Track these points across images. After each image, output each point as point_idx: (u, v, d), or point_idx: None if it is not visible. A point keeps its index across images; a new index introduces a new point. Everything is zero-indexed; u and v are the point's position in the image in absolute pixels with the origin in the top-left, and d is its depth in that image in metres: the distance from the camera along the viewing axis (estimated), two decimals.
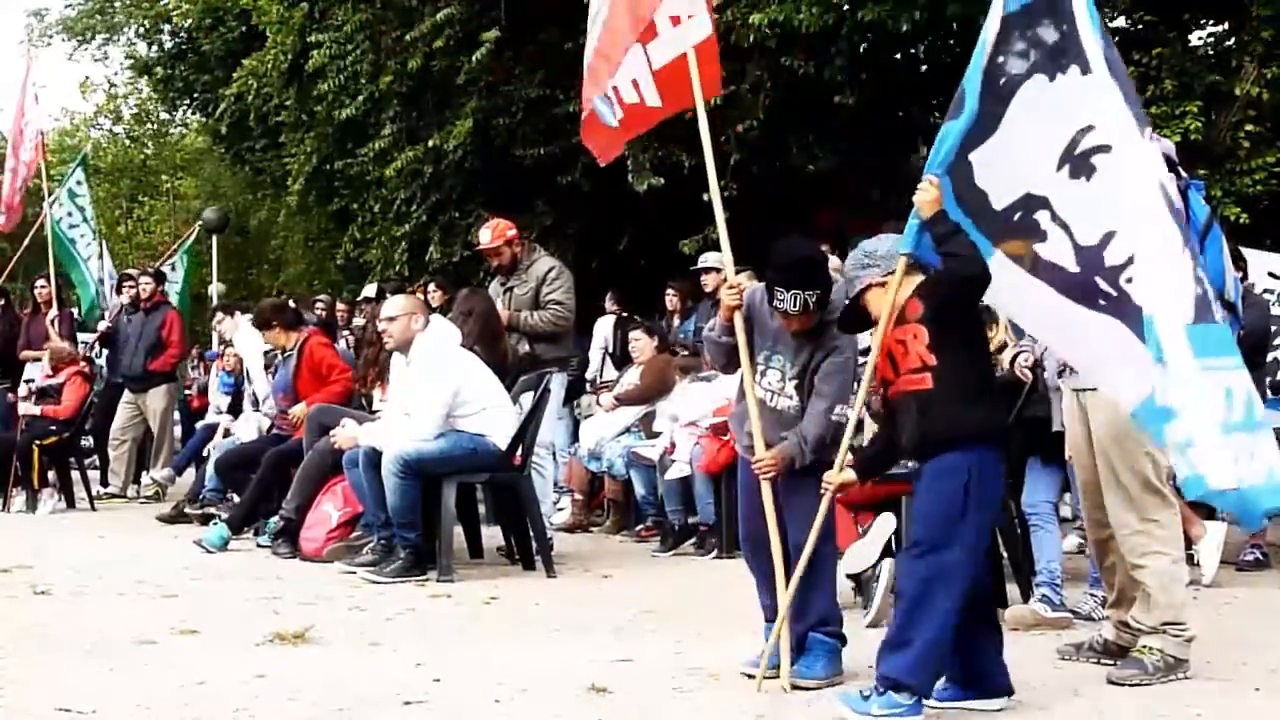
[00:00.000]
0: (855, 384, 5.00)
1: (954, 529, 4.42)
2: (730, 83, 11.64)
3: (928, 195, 4.48)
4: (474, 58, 13.07)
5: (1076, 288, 4.45)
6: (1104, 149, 4.40)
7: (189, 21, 19.45)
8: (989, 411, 4.59)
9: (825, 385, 5.00)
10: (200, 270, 22.20)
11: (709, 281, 11.13)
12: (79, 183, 15.32)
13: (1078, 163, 4.43)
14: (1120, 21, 12.37)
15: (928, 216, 4.48)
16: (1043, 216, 4.48)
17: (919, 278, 4.59)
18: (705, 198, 11.85)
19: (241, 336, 11.04)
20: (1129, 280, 4.34)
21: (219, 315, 12.56)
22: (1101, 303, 4.41)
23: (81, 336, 14.18)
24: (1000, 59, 4.48)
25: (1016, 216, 4.51)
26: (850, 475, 4.85)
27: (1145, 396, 4.31)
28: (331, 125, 15.75)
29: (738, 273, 10.45)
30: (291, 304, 11.02)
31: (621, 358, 11.41)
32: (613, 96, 5.85)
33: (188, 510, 10.52)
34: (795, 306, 4.87)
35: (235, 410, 11.55)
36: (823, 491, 4.83)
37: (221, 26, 18.99)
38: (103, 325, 13.31)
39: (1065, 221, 4.45)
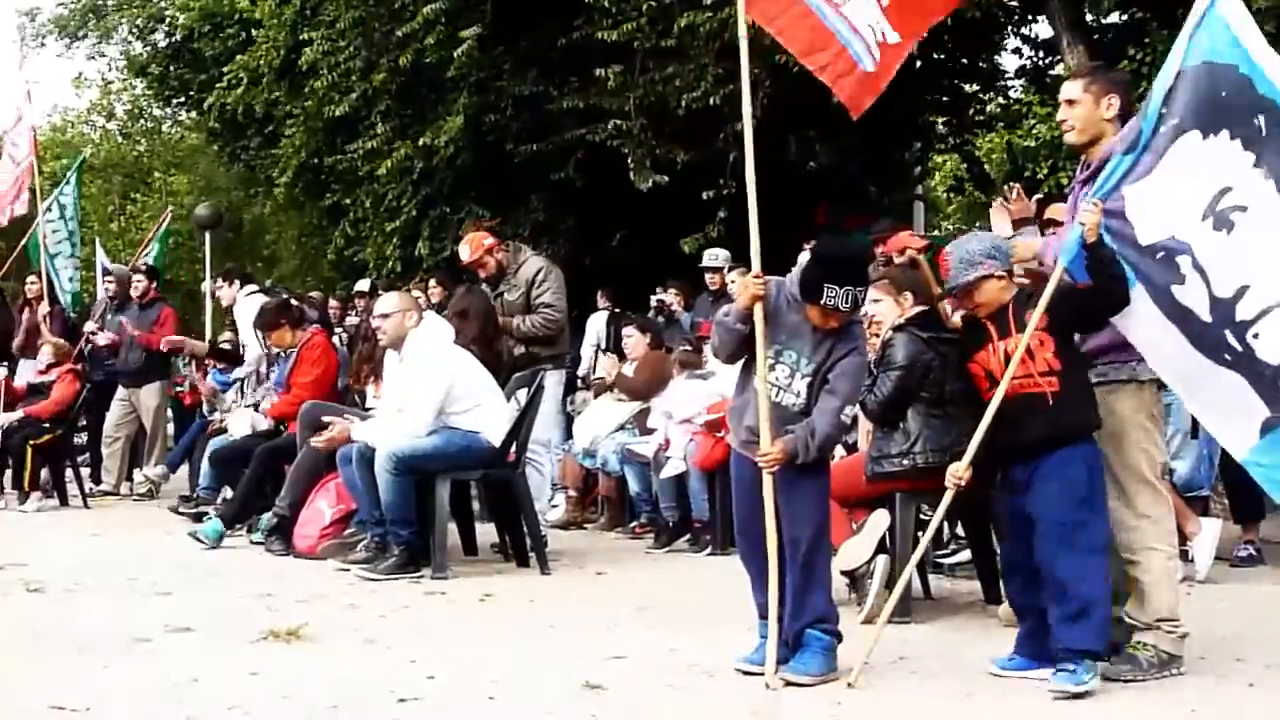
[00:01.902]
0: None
1: (1089, 507, 4.90)
2: (727, 81, 11.65)
3: (1095, 218, 4.79)
4: (457, 54, 13.04)
5: (1206, 338, 4.75)
6: (1241, 209, 4.69)
7: (183, 19, 19.36)
8: (1097, 409, 4.99)
9: (841, 384, 4.99)
10: (194, 267, 22.15)
11: (714, 280, 11.20)
12: (68, 182, 15.34)
13: (1219, 217, 4.71)
14: (1113, 17, 12.38)
15: (1093, 239, 4.78)
16: (1184, 261, 4.75)
17: (1015, 288, 5.04)
18: (705, 195, 12.00)
19: (242, 307, 10.99)
20: (1255, 336, 4.67)
21: (218, 281, 12.37)
22: (1227, 357, 4.73)
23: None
24: (1167, 107, 4.80)
25: (1159, 256, 4.80)
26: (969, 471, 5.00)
27: (1253, 445, 4.74)
28: (322, 121, 15.74)
29: (730, 270, 10.59)
30: (295, 301, 11.02)
31: (614, 354, 11.43)
32: (867, 38, 5.44)
33: (182, 510, 10.51)
34: (846, 303, 4.89)
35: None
36: (949, 485, 5.01)
37: (222, 32, 18.94)
38: (90, 326, 13.19)
39: (1204, 269, 4.72)
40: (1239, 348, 4.70)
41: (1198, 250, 4.73)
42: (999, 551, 5.25)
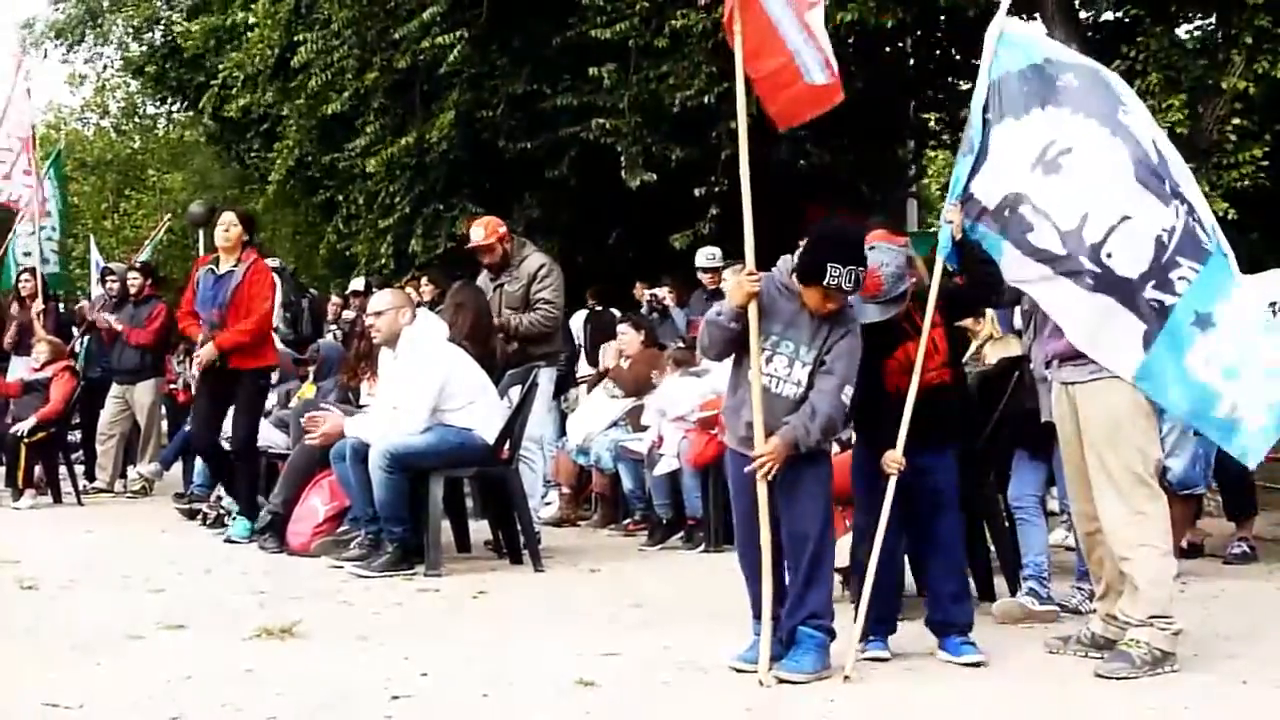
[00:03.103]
0: None
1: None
2: (721, 79, 11.66)
3: (958, 217, 5.27)
4: (450, 58, 13.06)
5: (1069, 268, 5.13)
6: (1066, 151, 5.19)
7: (189, 42, 19.24)
8: None
9: (838, 364, 5.00)
10: (188, 264, 22.09)
11: (710, 279, 11.21)
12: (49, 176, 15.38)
13: (1048, 165, 5.21)
14: (1108, 15, 12.40)
15: (960, 236, 5.26)
16: (1026, 209, 5.21)
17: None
18: (697, 193, 12.01)
19: None
20: (1109, 255, 5.06)
21: None
22: (1090, 281, 5.08)
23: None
24: (989, 114, 5.36)
25: (1007, 212, 5.25)
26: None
27: (1140, 361, 5.04)
28: (315, 119, 15.72)
29: (725, 267, 10.60)
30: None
31: (592, 351, 11.52)
32: (825, 49, 5.54)
33: (176, 507, 10.50)
34: (850, 282, 4.95)
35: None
36: (890, 471, 5.17)
37: (228, 46, 18.89)
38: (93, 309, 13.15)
39: (1044, 211, 5.17)
40: (1098, 269, 5.07)
41: (1034, 197, 5.19)
42: (859, 532, 5.48)
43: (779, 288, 5.08)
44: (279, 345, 10.54)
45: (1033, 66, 5.36)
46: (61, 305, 14.68)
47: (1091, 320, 5.11)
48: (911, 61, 15.08)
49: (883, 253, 5.26)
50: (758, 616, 5.10)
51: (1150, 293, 5.04)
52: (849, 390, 5.01)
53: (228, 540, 8.87)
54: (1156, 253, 5.04)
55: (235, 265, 9.01)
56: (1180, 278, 5.04)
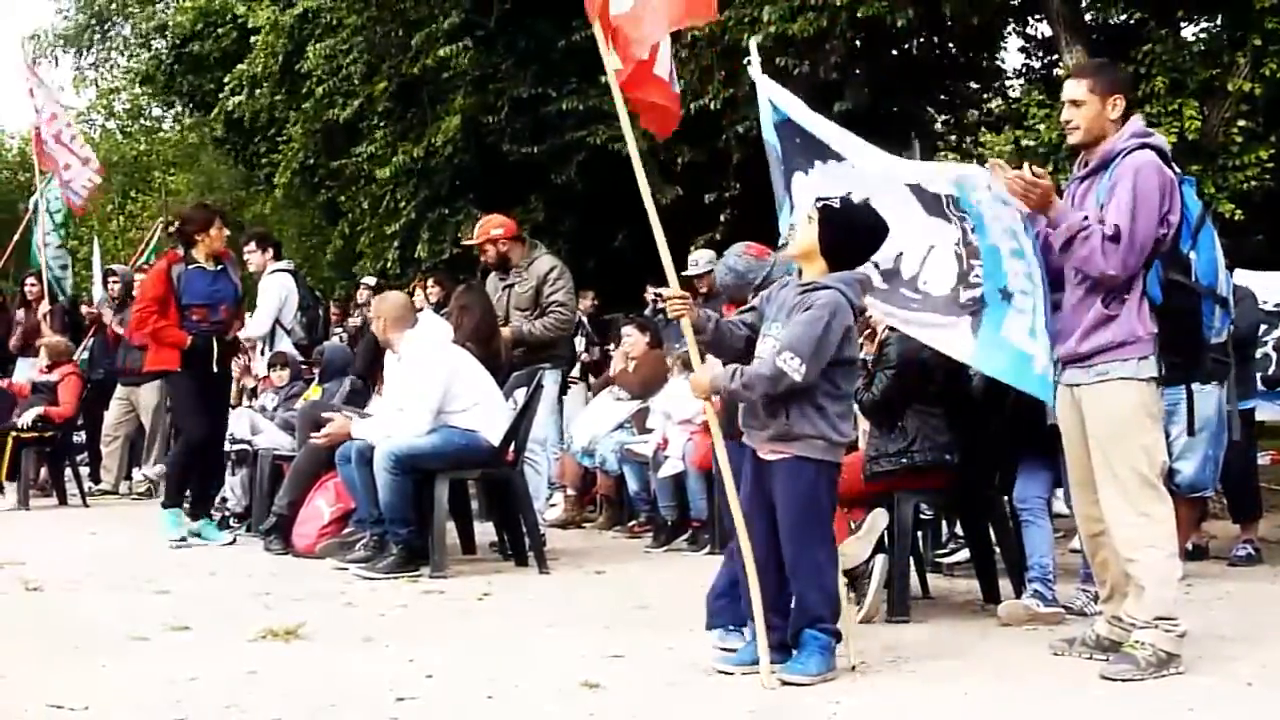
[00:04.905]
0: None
1: None
2: (729, 85, 11.66)
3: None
4: (460, 63, 13.08)
5: (893, 300, 5.59)
6: (866, 200, 5.39)
7: (179, 20, 19.33)
8: None
9: (785, 332, 4.99)
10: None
11: (702, 283, 11.18)
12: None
13: None
14: (1113, 18, 12.38)
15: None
16: None
17: None
18: (708, 198, 12.01)
19: (267, 284, 10.69)
20: (924, 283, 5.50)
21: (251, 245, 11.11)
22: (914, 306, 5.53)
23: None
24: (784, 156, 5.79)
25: None
26: None
27: (973, 348, 5.41)
28: (320, 123, 15.73)
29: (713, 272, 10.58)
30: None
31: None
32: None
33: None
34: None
35: None
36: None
37: (217, 30, 18.93)
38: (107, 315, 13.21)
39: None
40: (918, 296, 5.52)
41: None
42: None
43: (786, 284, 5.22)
44: (289, 348, 10.55)
45: (788, 121, 5.79)
46: (75, 306, 14.72)
47: (924, 327, 5.56)
48: (917, 63, 15.07)
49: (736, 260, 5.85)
50: (750, 618, 5.11)
51: (965, 294, 5.39)
52: (788, 357, 4.90)
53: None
54: (958, 266, 5.41)
55: (221, 263, 9.30)
56: (979, 269, 5.36)
